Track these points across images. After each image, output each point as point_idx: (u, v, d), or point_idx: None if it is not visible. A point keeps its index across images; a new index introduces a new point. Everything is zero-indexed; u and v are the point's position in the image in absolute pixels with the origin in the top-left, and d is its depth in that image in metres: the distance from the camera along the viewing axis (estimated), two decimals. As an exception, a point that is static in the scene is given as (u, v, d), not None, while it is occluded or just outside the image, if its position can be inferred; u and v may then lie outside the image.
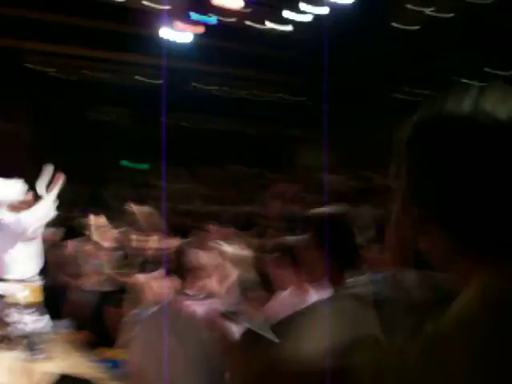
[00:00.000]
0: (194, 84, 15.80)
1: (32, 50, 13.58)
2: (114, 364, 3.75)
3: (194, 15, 12.11)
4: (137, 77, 14.83)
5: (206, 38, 13.07)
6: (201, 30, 11.22)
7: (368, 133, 14.46)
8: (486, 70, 14.54)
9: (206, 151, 14.20)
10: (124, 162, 14.89)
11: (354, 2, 10.45)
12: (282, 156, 15.34)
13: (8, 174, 4.95)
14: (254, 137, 16.57)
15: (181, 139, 14.00)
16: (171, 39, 12.09)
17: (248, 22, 13.46)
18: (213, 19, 10.80)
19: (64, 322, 5.08)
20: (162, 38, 12.00)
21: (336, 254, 2.02)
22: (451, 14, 13.93)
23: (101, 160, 13.92)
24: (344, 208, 2.32)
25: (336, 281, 1.97)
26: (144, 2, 12.89)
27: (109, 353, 4.11)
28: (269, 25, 12.63)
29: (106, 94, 14.34)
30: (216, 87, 16.24)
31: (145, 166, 14.46)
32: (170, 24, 12.15)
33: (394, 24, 15.08)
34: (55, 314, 4.97)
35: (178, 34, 11.99)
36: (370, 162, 12.38)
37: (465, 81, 15.94)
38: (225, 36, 13.26)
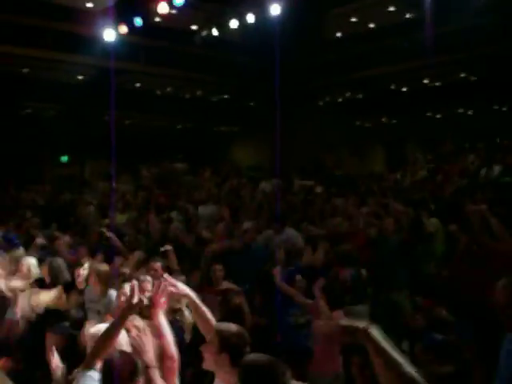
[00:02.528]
0: (136, 84, 16.13)
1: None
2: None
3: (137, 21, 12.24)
4: (79, 77, 15.07)
5: (147, 39, 13.36)
6: (125, 30, 11.38)
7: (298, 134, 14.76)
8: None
9: (145, 149, 14.40)
10: (64, 159, 14.90)
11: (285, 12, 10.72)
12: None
13: None
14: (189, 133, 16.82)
15: (119, 137, 14.21)
16: (111, 40, 12.24)
17: (189, 25, 13.85)
18: (138, 22, 11.09)
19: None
20: (102, 38, 12.17)
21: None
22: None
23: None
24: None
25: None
26: (88, 5, 13.18)
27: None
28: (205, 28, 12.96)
29: (43, 90, 14.48)
30: (159, 87, 16.63)
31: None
32: (112, 25, 12.33)
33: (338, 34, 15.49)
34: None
35: (116, 34, 12.17)
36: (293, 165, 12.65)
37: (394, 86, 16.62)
38: (162, 36, 13.59)
